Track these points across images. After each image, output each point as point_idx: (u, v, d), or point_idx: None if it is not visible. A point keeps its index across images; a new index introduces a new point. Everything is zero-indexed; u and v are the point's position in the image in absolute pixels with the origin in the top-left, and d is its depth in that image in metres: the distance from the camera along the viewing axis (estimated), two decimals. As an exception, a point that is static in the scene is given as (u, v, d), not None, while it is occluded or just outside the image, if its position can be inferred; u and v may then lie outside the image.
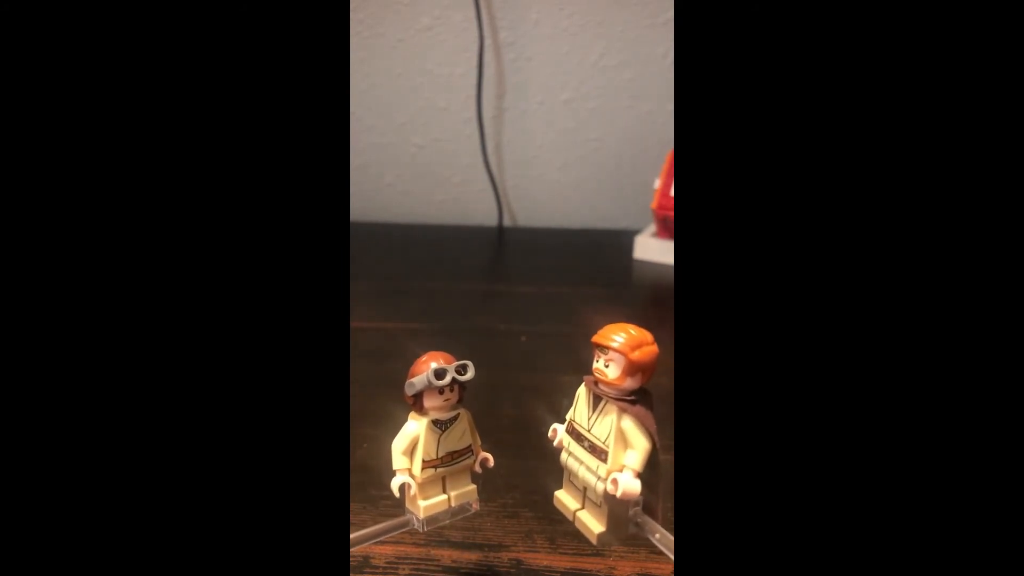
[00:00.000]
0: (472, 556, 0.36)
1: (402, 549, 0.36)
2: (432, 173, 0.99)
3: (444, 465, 0.29)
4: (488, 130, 0.95)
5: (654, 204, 0.82)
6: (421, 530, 0.30)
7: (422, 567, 0.35)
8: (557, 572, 0.34)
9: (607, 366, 0.26)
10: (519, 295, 0.75)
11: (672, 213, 0.79)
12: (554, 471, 0.30)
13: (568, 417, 0.29)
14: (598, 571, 0.34)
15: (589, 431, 0.28)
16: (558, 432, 0.29)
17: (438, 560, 0.35)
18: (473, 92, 0.93)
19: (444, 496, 0.30)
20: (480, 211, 1.00)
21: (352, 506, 0.39)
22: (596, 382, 0.27)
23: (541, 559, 0.35)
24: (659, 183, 0.82)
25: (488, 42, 0.91)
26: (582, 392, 0.28)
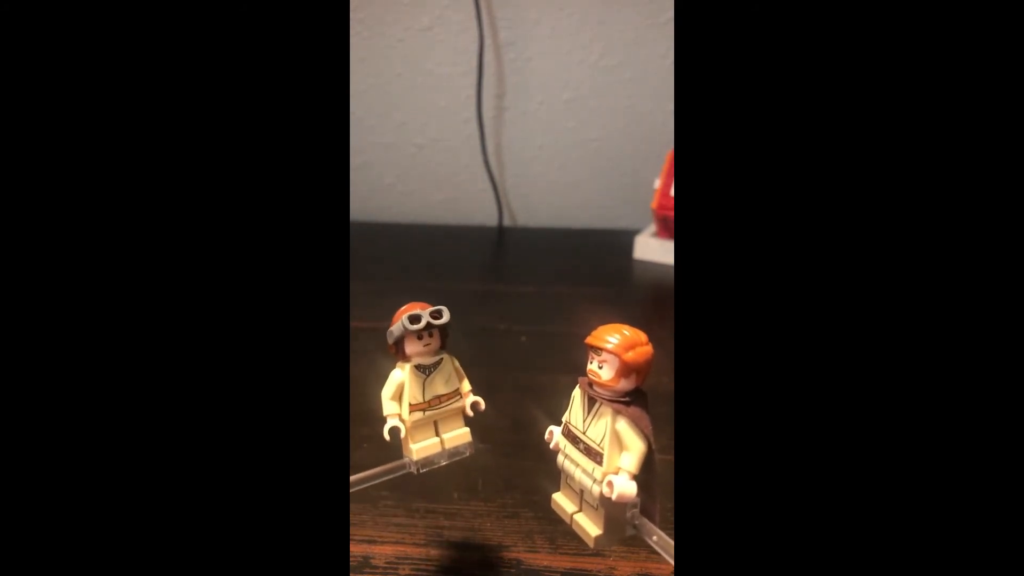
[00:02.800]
0: (472, 556, 0.36)
1: (402, 549, 0.36)
2: (432, 173, 0.99)
3: (432, 408, 0.30)
4: (488, 130, 0.95)
5: (654, 204, 0.82)
6: (416, 472, 0.30)
7: (422, 567, 0.35)
8: (557, 572, 0.34)
9: (601, 367, 0.26)
10: (519, 295, 0.75)
11: (672, 213, 0.79)
12: (554, 472, 0.30)
13: (564, 419, 0.29)
14: (598, 571, 0.34)
15: (584, 433, 0.27)
16: (554, 435, 0.29)
17: (438, 560, 0.35)
18: (473, 92, 0.93)
19: (436, 439, 0.30)
20: (480, 211, 1.00)
21: (352, 506, 0.39)
22: (590, 384, 0.27)
23: (541, 559, 0.35)
24: (659, 183, 0.82)
25: (488, 42, 0.91)
26: (577, 394, 0.28)
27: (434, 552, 0.36)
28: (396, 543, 0.36)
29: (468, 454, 0.31)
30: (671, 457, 0.25)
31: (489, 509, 0.39)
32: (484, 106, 0.94)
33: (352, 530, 0.37)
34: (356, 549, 0.36)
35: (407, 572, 0.34)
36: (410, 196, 1.01)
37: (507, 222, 1.01)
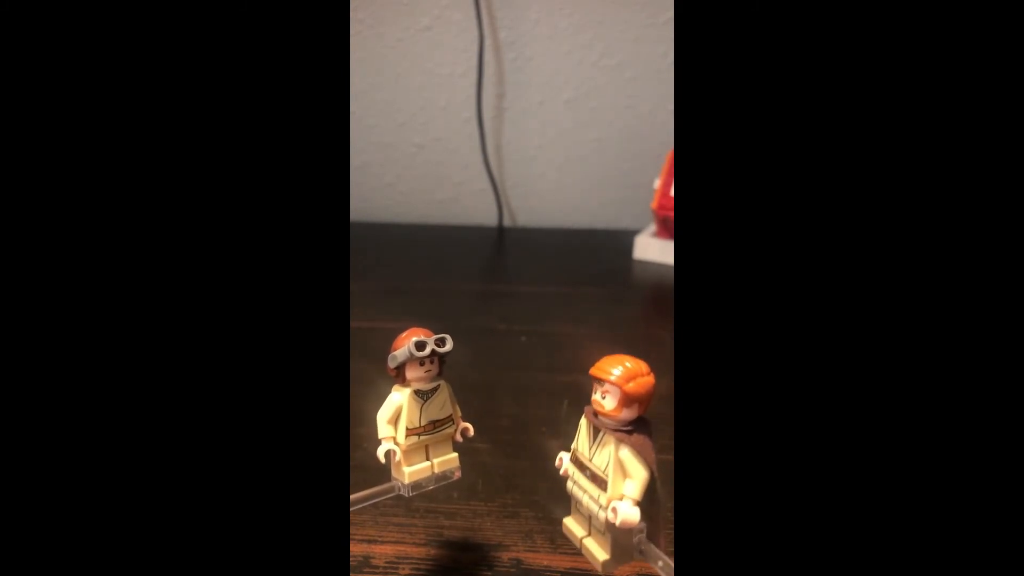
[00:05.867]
0: (472, 556, 0.36)
1: (402, 549, 0.36)
2: (432, 173, 0.99)
3: (427, 433, 0.30)
4: (488, 130, 0.95)
5: (654, 204, 0.82)
6: (406, 495, 0.31)
7: (422, 567, 0.35)
8: (557, 572, 0.34)
9: (604, 397, 0.27)
10: (519, 295, 0.75)
11: (672, 213, 0.79)
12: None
13: (572, 447, 0.30)
14: (598, 572, 0.34)
15: (590, 461, 0.28)
16: (564, 461, 0.30)
17: (438, 560, 0.35)
18: (473, 92, 0.93)
19: (428, 463, 0.31)
20: (480, 211, 1.00)
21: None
22: (595, 413, 0.28)
23: (541, 559, 0.35)
24: (659, 183, 0.82)
25: (488, 42, 0.91)
26: (583, 423, 0.29)
27: (434, 552, 0.36)
28: (396, 543, 0.36)
29: (455, 478, 0.32)
30: (671, 457, 0.26)
31: (489, 509, 0.39)
32: (484, 106, 0.94)
33: (352, 530, 0.37)
34: (356, 549, 0.36)
35: (407, 572, 0.34)
36: (410, 196, 1.01)
37: (507, 222, 1.01)
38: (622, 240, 0.87)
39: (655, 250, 0.83)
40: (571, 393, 0.51)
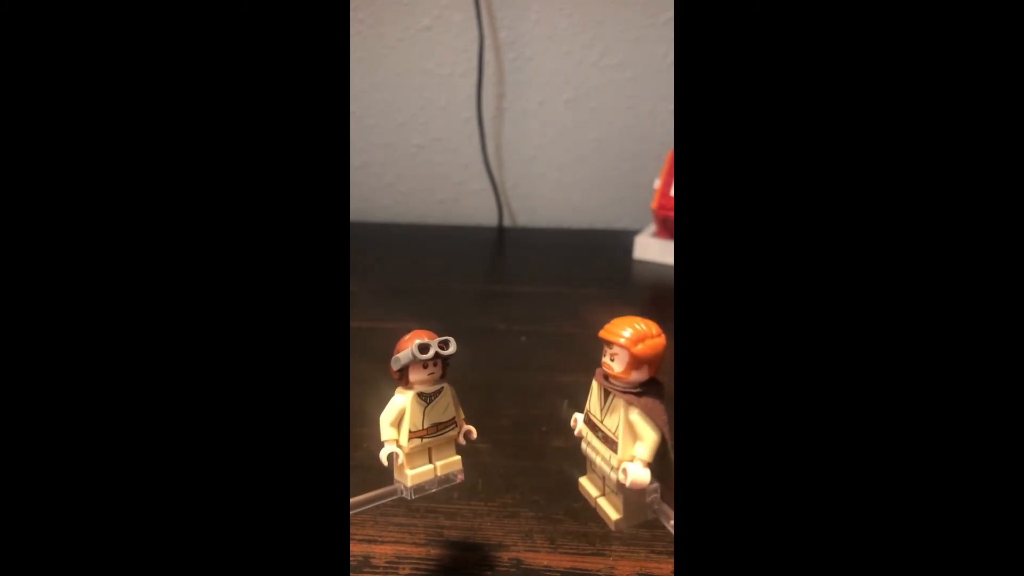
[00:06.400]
0: (472, 556, 0.36)
1: (402, 549, 0.36)
2: (432, 173, 0.99)
3: (430, 436, 0.30)
4: (488, 130, 0.95)
5: (654, 204, 0.82)
6: (409, 498, 0.31)
7: (422, 567, 0.35)
8: (557, 572, 0.34)
9: (613, 360, 0.27)
10: (519, 295, 0.75)
11: (672, 213, 0.79)
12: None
13: (586, 408, 0.30)
14: (598, 571, 0.34)
15: (602, 422, 0.28)
16: (578, 422, 0.30)
17: (438, 560, 0.35)
18: (473, 92, 0.93)
19: (430, 466, 0.31)
20: (480, 211, 1.00)
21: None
22: (605, 376, 0.28)
23: (541, 559, 0.35)
24: (659, 183, 0.82)
25: (488, 42, 0.91)
26: (595, 385, 0.29)
27: (434, 552, 0.36)
28: (396, 543, 0.36)
29: (458, 480, 0.32)
30: (671, 456, 0.26)
31: (489, 509, 0.39)
32: (484, 106, 0.94)
33: (352, 530, 0.37)
34: (356, 549, 0.36)
35: (407, 572, 0.34)
36: (410, 196, 1.01)
37: (507, 222, 1.01)
38: (622, 240, 0.87)
39: (655, 250, 0.83)
40: (571, 393, 0.51)
